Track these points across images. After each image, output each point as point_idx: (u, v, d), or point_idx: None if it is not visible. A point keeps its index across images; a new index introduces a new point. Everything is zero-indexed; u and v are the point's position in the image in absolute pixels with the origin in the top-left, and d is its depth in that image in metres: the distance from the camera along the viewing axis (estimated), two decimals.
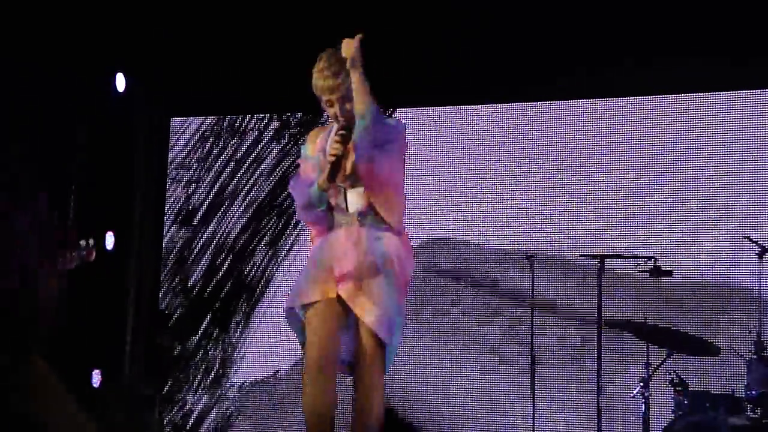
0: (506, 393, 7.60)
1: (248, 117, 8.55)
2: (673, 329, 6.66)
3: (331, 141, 4.62)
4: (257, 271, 8.37)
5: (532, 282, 7.01)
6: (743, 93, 7.38)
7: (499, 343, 7.69)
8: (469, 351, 7.77)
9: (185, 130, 8.66)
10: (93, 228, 6.44)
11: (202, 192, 8.60)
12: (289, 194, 4.89)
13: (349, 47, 4.50)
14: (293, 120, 8.41)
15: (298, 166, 4.83)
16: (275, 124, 8.48)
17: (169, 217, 8.62)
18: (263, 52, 8.00)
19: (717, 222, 7.34)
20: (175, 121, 8.68)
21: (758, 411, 6.29)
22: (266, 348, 8.21)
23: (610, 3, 7.39)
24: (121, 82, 8.34)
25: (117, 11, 8.10)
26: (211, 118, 8.63)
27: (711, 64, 7.30)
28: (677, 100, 7.52)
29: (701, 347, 6.59)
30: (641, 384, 6.49)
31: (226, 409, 8.27)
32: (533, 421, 6.97)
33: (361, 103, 4.52)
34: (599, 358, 6.59)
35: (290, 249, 8.30)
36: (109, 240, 8.24)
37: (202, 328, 8.44)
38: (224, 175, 8.56)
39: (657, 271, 6.63)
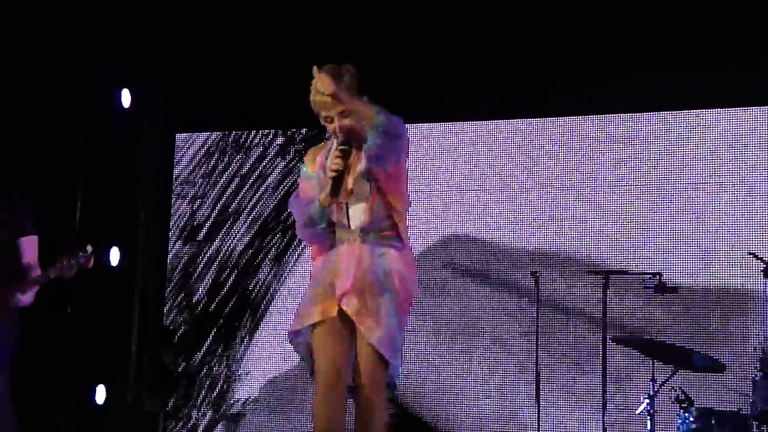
0: (511, 412, 7.58)
1: (253, 132, 8.55)
2: (678, 345, 6.64)
3: (332, 157, 4.58)
4: (262, 287, 8.36)
5: (537, 298, 6.98)
6: (754, 109, 7.37)
7: (502, 361, 7.68)
8: (472, 369, 7.76)
9: (190, 146, 8.67)
10: (98, 243, 6.43)
11: (207, 208, 8.60)
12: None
13: (324, 84, 4.42)
14: (298, 135, 8.42)
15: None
16: (280, 139, 8.49)
17: (173, 233, 8.62)
18: (268, 67, 8.01)
19: (722, 238, 7.33)
20: (180, 137, 8.69)
21: (764, 428, 6.27)
22: (270, 364, 8.20)
23: (617, 18, 7.41)
24: (126, 97, 8.35)
25: (122, 27, 8.13)
26: (215, 134, 8.64)
27: (720, 78, 7.31)
28: (684, 115, 7.52)
29: (707, 364, 6.57)
30: (647, 400, 6.48)
31: (231, 425, 8.26)
32: None
33: (369, 117, 4.45)
34: (604, 374, 6.58)
35: (295, 265, 8.30)
36: (114, 255, 8.25)
37: (206, 345, 8.43)
38: (229, 190, 8.56)
39: (662, 288, 6.63)
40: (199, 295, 8.51)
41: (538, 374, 6.98)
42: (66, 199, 8.15)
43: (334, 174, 4.51)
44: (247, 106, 8.30)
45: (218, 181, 8.59)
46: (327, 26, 7.76)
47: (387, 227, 4.59)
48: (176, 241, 8.61)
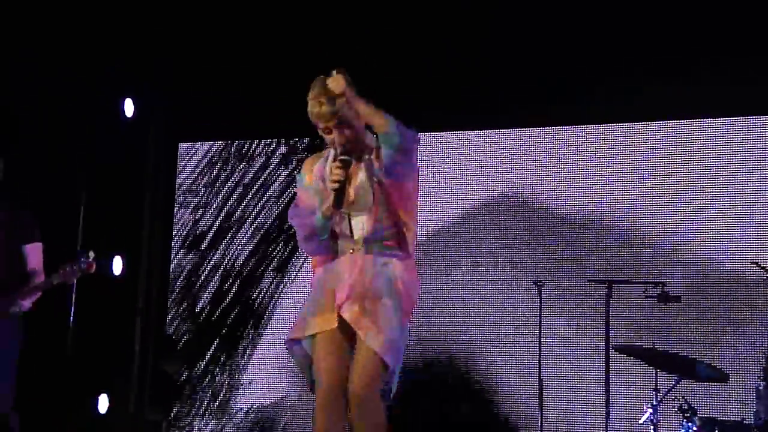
0: (514, 422, 7.57)
1: (256, 142, 8.56)
2: (681, 355, 6.63)
3: (330, 168, 4.56)
4: (264, 296, 8.36)
5: (540, 308, 6.98)
6: (758, 118, 7.36)
7: (505, 370, 7.67)
8: (474, 380, 7.75)
9: (193, 155, 8.68)
10: (101, 252, 6.45)
11: (210, 217, 8.60)
12: None
13: (337, 84, 4.44)
14: (301, 145, 8.42)
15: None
16: (283, 149, 8.49)
17: (176, 242, 8.63)
18: (271, 76, 8.02)
19: (726, 248, 7.32)
20: (183, 147, 8.69)
21: None
22: (273, 373, 8.19)
23: (617, 24, 7.41)
24: (129, 107, 8.36)
25: (126, 37, 8.14)
26: (218, 143, 8.64)
27: (724, 88, 7.31)
28: (689, 125, 7.51)
29: (710, 373, 6.56)
30: (650, 410, 6.46)
31: None
32: None
33: (380, 125, 4.45)
34: (607, 383, 6.57)
35: (297, 274, 8.29)
36: (117, 265, 8.25)
37: (209, 354, 8.42)
38: (232, 200, 8.56)
39: (665, 297, 6.62)
40: (202, 304, 8.51)
41: (541, 383, 6.98)
42: (69, 207, 8.15)
43: (335, 185, 4.50)
44: (249, 115, 8.31)
45: (221, 191, 8.59)
46: (329, 36, 7.77)
47: (390, 237, 4.58)
48: (179, 250, 8.61)
